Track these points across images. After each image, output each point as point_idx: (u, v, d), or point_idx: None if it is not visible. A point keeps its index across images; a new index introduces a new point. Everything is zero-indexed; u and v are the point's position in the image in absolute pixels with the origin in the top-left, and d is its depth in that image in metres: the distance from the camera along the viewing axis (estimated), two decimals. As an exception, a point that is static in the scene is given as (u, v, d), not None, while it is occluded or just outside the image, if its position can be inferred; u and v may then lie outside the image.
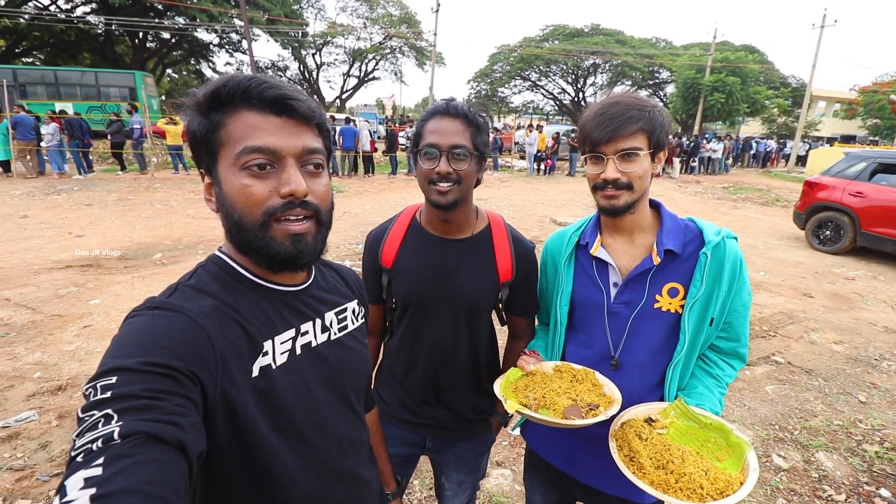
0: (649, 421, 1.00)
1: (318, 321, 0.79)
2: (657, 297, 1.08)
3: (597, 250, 1.13)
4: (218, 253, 0.75)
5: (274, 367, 0.70)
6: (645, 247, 1.10)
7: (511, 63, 33.62)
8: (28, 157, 11.02)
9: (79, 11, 21.16)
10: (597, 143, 1.03)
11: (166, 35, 23.77)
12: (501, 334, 1.39)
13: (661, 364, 1.10)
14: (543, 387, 1.06)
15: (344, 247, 6.34)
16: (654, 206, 1.15)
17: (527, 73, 34.58)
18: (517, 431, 1.35)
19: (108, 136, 12.12)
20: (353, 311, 0.90)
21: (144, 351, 0.56)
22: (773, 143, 25.48)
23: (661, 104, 1.07)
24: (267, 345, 0.70)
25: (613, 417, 1.00)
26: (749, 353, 3.67)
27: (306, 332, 0.77)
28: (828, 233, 7.37)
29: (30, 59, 23.40)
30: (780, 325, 4.45)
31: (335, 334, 0.82)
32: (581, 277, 1.17)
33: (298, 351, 0.74)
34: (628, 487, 1.07)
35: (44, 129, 10.95)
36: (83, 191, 9.74)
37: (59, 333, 3.73)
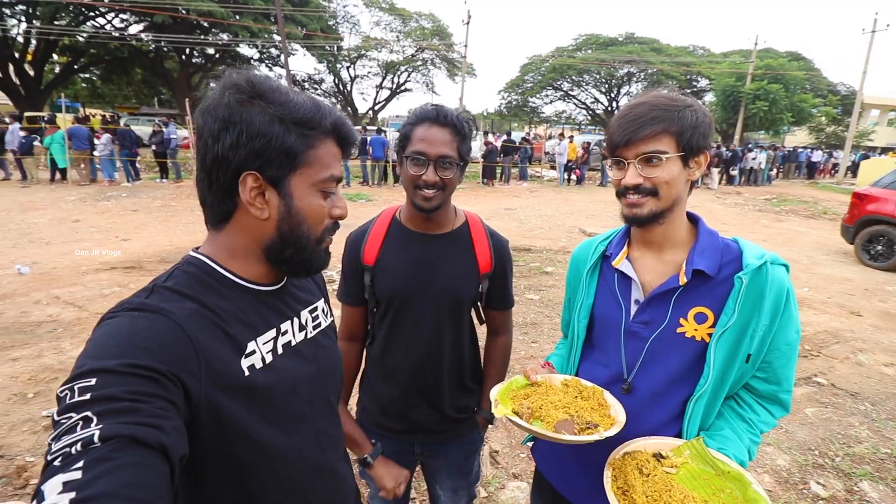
0: (658, 457, 0.92)
1: (296, 320, 0.81)
2: (681, 320, 0.97)
3: (619, 263, 1.05)
4: (195, 254, 0.74)
5: (258, 366, 0.71)
6: (674, 264, 1.01)
7: (543, 73, 33.46)
8: (82, 165, 11.77)
9: (131, 30, 22.59)
10: (617, 146, 0.96)
11: (211, 51, 25.04)
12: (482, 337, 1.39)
13: (679, 396, 1.00)
14: (543, 398, 1.01)
15: (371, 254, 6.43)
16: (693, 220, 1.05)
17: (559, 82, 34.32)
18: (529, 444, 1.31)
19: (153, 146, 12.81)
20: (323, 310, 0.92)
21: (125, 352, 0.55)
22: (819, 153, 24.24)
23: (699, 104, 0.97)
24: (251, 345, 0.70)
25: (612, 441, 0.92)
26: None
27: (286, 332, 0.78)
28: (879, 248, 6.93)
29: (87, 75, 25.10)
30: (824, 345, 4.20)
31: (311, 332, 0.84)
32: (603, 290, 1.10)
33: (280, 350, 0.76)
34: None
35: (96, 140, 11.69)
36: (130, 197, 10.31)
37: (100, 331, 3.94)
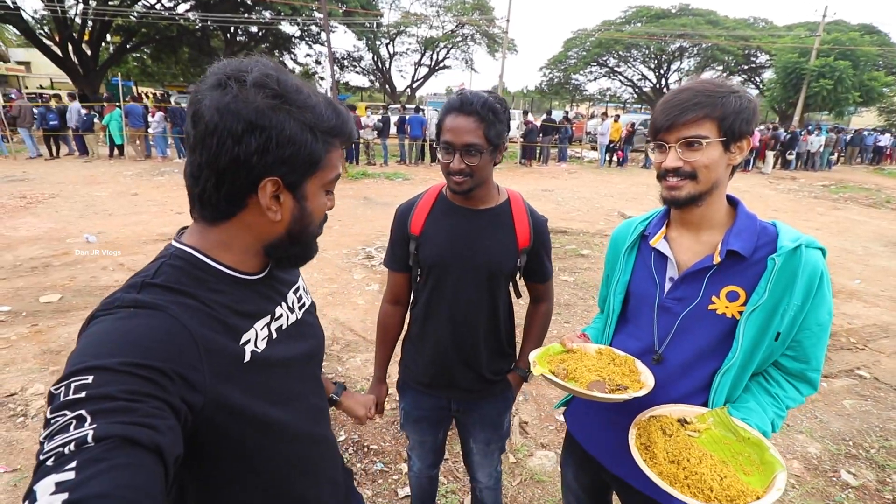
0: (682, 422, 0.98)
1: (284, 304, 0.83)
2: (713, 298, 1.02)
3: (657, 242, 1.11)
4: (179, 246, 0.71)
5: (257, 352, 0.72)
6: (710, 245, 1.05)
7: (588, 48, 32.12)
8: (137, 142, 12.45)
9: (179, 9, 23.30)
10: (659, 131, 1.00)
11: (254, 29, 25.52)
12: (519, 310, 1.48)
13: (708, 368, 1.06)
14: (578, 363, 1.09)
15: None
16: (733, 203, 1.09)
17: (604, 58, 32.86)
18: (561, 410, 1.41)
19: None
20: (304, 288, 0.94)
21: (124, 350, 0.55)
22: (887, 137, 22.31)
23: (744, 90, 0.99)
24: (248, 334, 0.72)
25: (640, 405, 1.00)
26: (830, 365, 3.39)
27: (280, 316, 0.80)
28: (946, 239, 6.46)
29: (137, 54, 26.18)
30: (872, 339, 4.03)
31: (298, 314, 0.87)
32: (640, 268, 1.16)
33: (275, 335, 0.78)
34: (654, 487, 1.09)
35: (150, 118, 12.31)
36: (182, 173, 10.85)
37: (161, 296, 4.29)
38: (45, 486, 0.43)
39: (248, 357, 0.70)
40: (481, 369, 1.44)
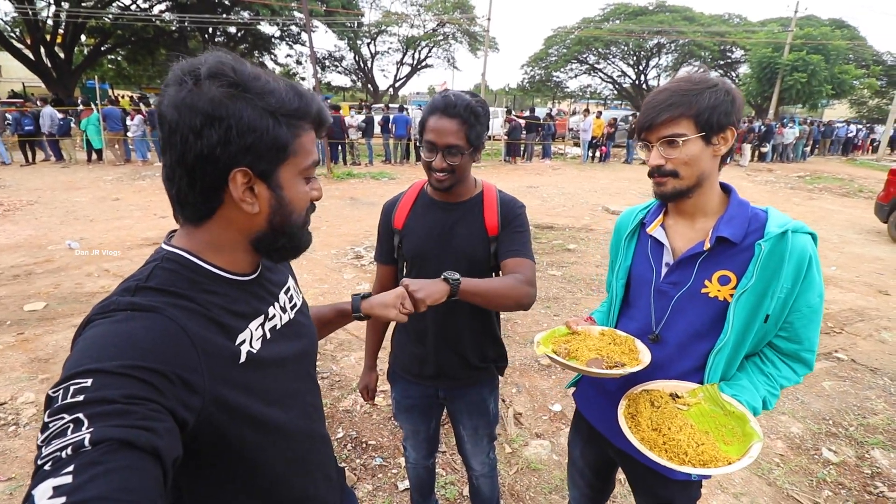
0: (674, 396, 1.06)
1: (277, 304, 0.83)
2: (706, 282, 1.08)
3: (654, 230, 1.18)
4: (171, 248, 0.71)
5: (252, 353, 0.73)
6: (703, 231, 1.10)
7: (568, 46, 32.41)
8: (116, 146, 12.20)
9: (155, 10, 22.85)
10: (642, 130, 1.07)
11: (232, 30, 25.15)
12: None
13: (702, 348, 1.11)
14: (581, 343, 1.15)
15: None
16: (727, 190, 1.15)
17: (584, 55, 33.21)
18: (571, 391, 1.47)
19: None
20: (294, 287, 0.94)
21: (123, 353, 0.55)
22: (856, 128, 23.02)
23: (724, 83, 1.03)
24: (244, 334, 0.72)
25: (640, 378, 1.08)
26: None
27: (273, 316, 0.80)
28: (915, 226, 6.73)
29: (113, 56, 25.59)
30: (848, 322, 4.20)
31: (290, 313, 0.87)
32: (640, 254, 1.23)
33: (269, 335, 0.78)
34: (645, 455, 1.17)
35: (129, 122, 12.08)
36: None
37: (149, 301, 4.25)
38: (43, 490, 0.43)
39: (244, 357, 0.71)
40: (467, 355, 1.49)
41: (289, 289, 0.90)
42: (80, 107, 12.49)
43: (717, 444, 0.95)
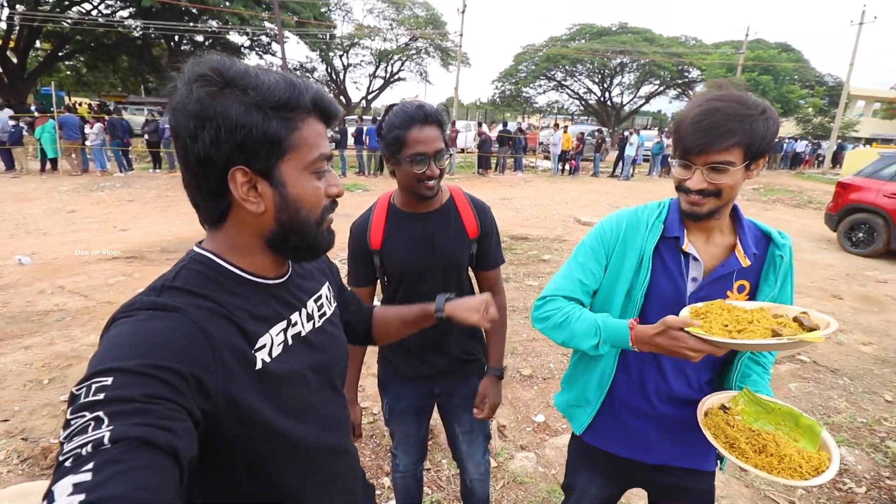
0: (723, 409, 1.06)
1: (304, 310, 0.81)
2: (728, 292, 1.12)
3: (688, 246, 1.12)
4: (200, 250, 0.72)
5: (271, 359, 0.71)
6: (724, 246, 1.12)
7: (536, 63, 33.39)
8: (73, 155, 11.64)
9: (118, 16, 22.13)
10: (688, 152, 1.02)
11: (200, 38, 24.63)
12: None
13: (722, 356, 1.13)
14: (729, 318, 0.97)
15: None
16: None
17: (552, 72, 34.28)
18: (579, 431, 1.32)
19: (146, 136, 12.69)
20: (327, 296, 0.91)
21: (144, 352, 0.55)
22: (802, 144, 24.58)
23: (770, 109, 1.01)
24: (264, 339, 0.71)
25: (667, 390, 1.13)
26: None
27: (296, 323, 0.79)
28: (860, 235, 7.19)
29: (71, 62, 24.59)
30: (807, 327, 4.41)
31: (318, 322, 0.85)
32: (663, 269, 1.14)
33: (290, 342, 0.76)
34: (693, 458, 1.22)
35: (87, 129, 11.56)
36: (124, 188, 10.24)
37: (111, 318, 4.02)
38: (63, 486, 0.43)
39: (259, 364, 0.69)
40: (453, 353, 1.54)
41: (320, 297, 0.89)
42: (36, 114, 11.87)
43: (798, 445, 0.97)
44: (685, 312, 1.02)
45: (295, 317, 0.79)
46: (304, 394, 0.78)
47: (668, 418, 1.19)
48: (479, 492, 1.76)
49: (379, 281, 1.52)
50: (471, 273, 1.57)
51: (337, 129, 13.81)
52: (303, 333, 0.80)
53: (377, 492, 2.26)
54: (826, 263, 6.64)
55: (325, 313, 0.88)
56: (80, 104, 22.43)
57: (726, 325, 0.94)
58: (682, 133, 1.02)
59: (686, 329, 0.93)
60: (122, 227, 7.08)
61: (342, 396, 0.92)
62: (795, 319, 0.96)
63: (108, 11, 22.00)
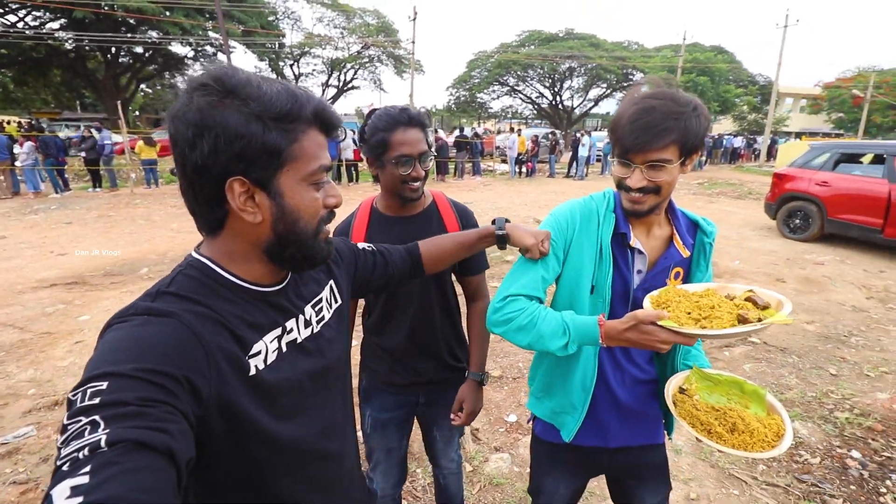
0: (682, 391, 1.09)
1: (301, 317, 0.81)
2: (667, 280, 1.17)
3: (634, 242, 1.15)
4: (197, 256, 0.72)
5: (264, 366, 0.71)
6: (663, 238, 1.18)
7: (489, 69, 33.99)
8: (2, 177, 10.78)
9: (47, 28, 20.76)
10: (627, 151, 1.04)
11: (139, 49, 23.48)
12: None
13: None
14: (689, 305, 0.97)
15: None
16: None
17: (505, 78, 34.98)
18: (530, 424, 1.41)
19: (83, 153, 11.95)
20: (327, 299, 0.90)
21: (138, 357, 0.56)
22: (739, 140, 26.24)
23: (700, 104, 1.03)
24: (257, 346, 0.71)
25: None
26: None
27: (291, 330, 0.78)
28: (797, 221, 7.70)
29: (-2, 77, 22.87)
30: (756, 310, 4.67)
31: (315, 328, 0.85)
32: (616, 265, 1.16)
33: (285, 349, 0.76)
34: (647, 434, 1.29)
35: (17, 149, 10.74)
36: (61, 209, 9.57)
37: (50, 350, 3.71)
38: (61, 490, 0.44)
39: (253, 370, 0.70)
40: (443, 357, 1.53)
41: (320, 300, 0.88)
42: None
43: (749, 413, 1.01)
44: (647, 303, 1.01)
45: (290, 323, 0.79)
46: (300, 400, 0.77)
47: (623, 402, 1.23)
48: (453, 488, 1.75)
49: None
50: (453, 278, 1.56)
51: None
52: (298, 340, 0.80)
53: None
54: (768, 250, 7.07)
55: (323, 318, 0.88)
56: (8, 122, 20.84)
57: (690, 313, 0.94)
58: (620, 132, 1.04)
59: (658, 322, 0.92)
60: (60, 251, 6.59)
61: (342, 399, 0.91)
62: (748, 300, 0.98)
63: (36, 23, 20.59)
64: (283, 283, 0.80)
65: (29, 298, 4.80)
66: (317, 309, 0.86)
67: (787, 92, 38.62)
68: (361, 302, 1.55)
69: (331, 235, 0.80)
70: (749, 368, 3.50)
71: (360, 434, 2.32)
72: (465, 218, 1.51)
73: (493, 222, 1.18)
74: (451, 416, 1.50)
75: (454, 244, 1.19)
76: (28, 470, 2.42)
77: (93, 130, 12.22)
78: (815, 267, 6.20)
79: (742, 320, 0.91)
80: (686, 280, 1.20)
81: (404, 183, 1.33)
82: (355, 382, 1.64)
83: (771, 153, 25.36)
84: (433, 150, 1.37)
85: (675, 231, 1.17)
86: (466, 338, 1.61)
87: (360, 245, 1.11)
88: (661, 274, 1.17)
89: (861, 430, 2.76)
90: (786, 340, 3.97)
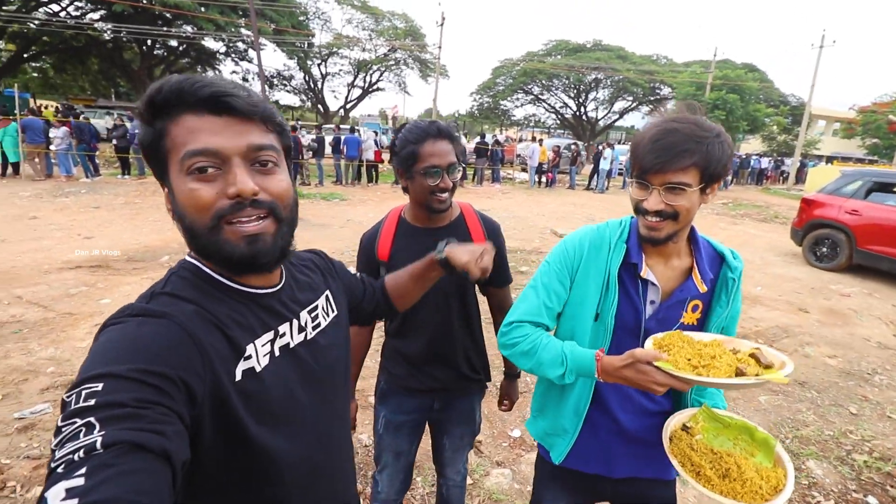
0: (685, 428, 1.07)
1: (295, 321, 0.80)
2: (683, 313, 1.13)
3: (646, 273, 1.12)
4: (189, 258, 0.73)
5: (257, 369, 0.70)
6: (680, 270, 1.13)
7: (514, 76, 34.00)
8: (37, 159, 11.17)
9: (88, 18, 21.51)
10: (645, 171, 1.01)
11: (174, 43, 24.15)
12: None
13: None
14: (691, 352, 0.98)
15: (348, 254, 6.44)
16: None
17: (529, 86, 34.94)
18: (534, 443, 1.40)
19: (114, 141, 12.31)
20: (323, 307, 0.88)
21: (133, 357, 0.55)
22: (766, 160, 25.63)
23: (724, 132, 1.01)
24: (249, 349, 0.70)
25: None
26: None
27: (284, 334, 0.77)
28: (824, 250, 7.48)
29: (38, 64, 23.73)
30: (776, 339, 4.54)
31: (310, 334, 0.83)
32: (621, 293, 1.13)
33: (277, 353, 0.74)
34: (656, 468, 1.23)
35: (52, 133, 11.13)
36: (90, 193, 9.87)
37: (71, 331, 3.82)
38: (56, 492, 0.43)
39: (245, 375, 0.68)
40: (460, 368, 1.55)
41: (316, 307, 0.86)
42: (-4, 116, 11.37)
43: (756, 462, 0.99)
44: (649, 344, 1.01)
45: (284, 328, 0.77)
46: (290, 407, 0.75)
47: (630, 432, 1.20)
48: (455, 501, 1.76)
49: None
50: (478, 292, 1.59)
51: (314, 138, 13.70)
52: (291, 345, 0.78)
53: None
54: (793, 277, 6.88)
55: (319, 324, 0.86)
56: (46, 107, 21.63)
57: (689, 360, 0.94)
58: (640, 152, 1.02)
59: (654, 363, 0.92)
60: (87, 234, 6.78)
61: (337, 412, 0.88)
62: (752, 356, 0.98)
63: (78, 13, 21.36)
64: (277, 287, 0.79)
65: (54, 279, 4.96)
66: (312, 315, 0.85)
67: (819, 114, 37.65)
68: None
69: (252, 233, 0.68)
70: (765, 401, 3.40)
71: (357, 446, 2.33)
72: (493, 232, 1.51)
73: (437, 244, 1.10)
74: (500, 405, 1.72)
75: (408, 277, 1.14)
76: (42, 446, 2.48)
77: (125, 119, 12.58)
78: (841, 298, 6.01)
79: (739, 373, 0.91)
80: (705, 315, 1.15)
81: (433, 194, 1.35)
82: (373, 383, 1.70)
83: (800, 176, 24.73)
84: (463, 162, 1.40)
85: (695, 263, 1.13)
86: (483, 346, 1.63)
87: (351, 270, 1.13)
88: (675, 307, 1.13)
89: (879, 475, 2.64)
90: (805, 374, 3.85)
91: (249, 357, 0.69)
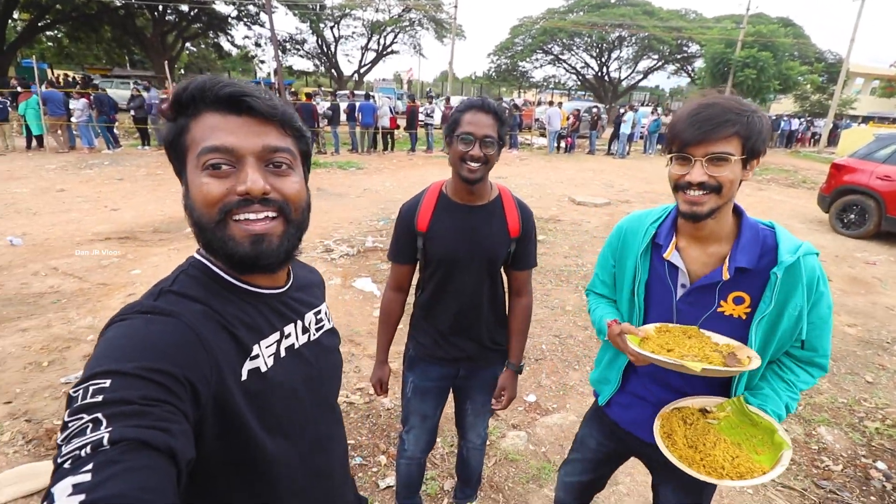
0: (703, 411, 1.10)
1: (300, 322, 0.81)
2: (721, 303, 1.11)
3: (670, 255, 1.13)
4: (197, 256, 0.73)
5: (263, 370, 0.71)
6: (717, 256, 1.10)
7: (533, 36, 32.64)
8: (59, 132, 11.38)
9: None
10: (686, 144, 1.00)
11: (185, 8, 23.80)
12: None
13: None
14: (673, 344, 1.08)
15: (366, 223, 6.51)
16: (737, 212, 1.13)
17: (549, 46, 33.55)
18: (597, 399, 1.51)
19: (132, 112, 12.41)
20: (326, 313, 0.92)
21: (141, 355, 0.56)
22: (796, 122, 24.40)
23: (761, 110, 1.02)
24: (255, 349, 0.71)
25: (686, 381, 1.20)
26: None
27: (289, 335, 0.78)
28: (852, 216, 7.26)
29: (52, 32, 23.72)
30: (795, 308, 4.50)
31: (314, 335, 0.84)
32: (654, 273, 1.20)
33: (283, 353, 0.75)
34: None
35: (72, 105, 11.26)
36: (113, 165, 10.07)
37: (106, 300, 4.02)
38: (63, 487, 0.44)
39: (251, 375, 0.69)
40: (483, 340, 1.64)
41: (319, 311, 0.88)
42: (19, 88, 11.52)
43: (750, 456, 1.00)
44: (650, 328, 1.15)
45: (289, 328, 0.78)
46: (293, 409, 0.76)
47: (657, 403, 1.24)
48: (473, 462, 1.88)
49: (418, 263, 1.61)
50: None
51: (329, 105, 13.55)
52: (296, 346, 0.79)
53: (373, 469, 2.34)
54: (817, 244, 6.65)
55: (322, 326, 0.88)
56: (64, 76, 21.74)
57: (665, 344, 1.09)
58: (679, 127, 1.02)
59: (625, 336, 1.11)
60: (114, 206, 6.99)
61: (332, 415, 0.90)
62: (731, 353, 1.04)
63: (89, -21, 21.11)
64: (284, 288, 0.79)
65: (86, 250, 5.17)
66: (318, 317, 0.87)
67: (857, 71, 35.37)
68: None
69: (258, 233, 0.68)
70: (779, 368, 3.43)
71: (351, 453, 2.43)
72: (527, 217, 1.57)
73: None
74: (493, 401, 1.69)
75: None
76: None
77: (141, 90, 12.60)
78: (866, 267, 5.88)
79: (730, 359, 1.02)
80: (753, 310, 1.09)
81: (463, 161, 1.39)
82: (401, 348, 1.81)
83: (832, 138, 23.59)
84: (502, 141, 1.42)
85: (732, 250, 1.09)
86: (506, 321, 1.69)
87: None
88: (704, 292, 1.12)
89: (891, 441, 2.69)
90: (822, 342, 3.84)
91: (256, 357, 0.70)
